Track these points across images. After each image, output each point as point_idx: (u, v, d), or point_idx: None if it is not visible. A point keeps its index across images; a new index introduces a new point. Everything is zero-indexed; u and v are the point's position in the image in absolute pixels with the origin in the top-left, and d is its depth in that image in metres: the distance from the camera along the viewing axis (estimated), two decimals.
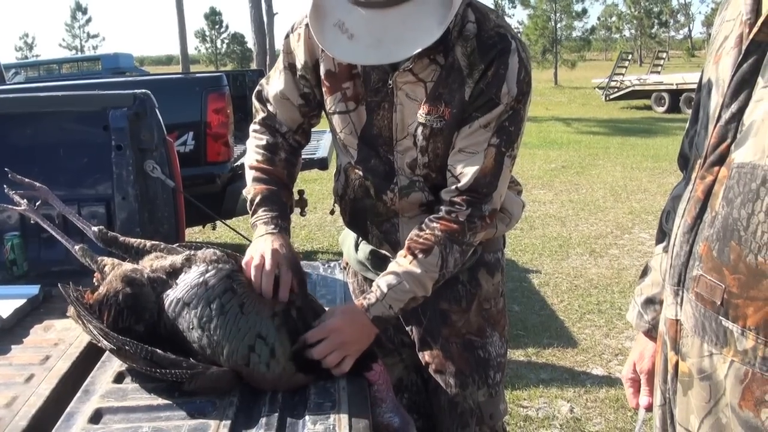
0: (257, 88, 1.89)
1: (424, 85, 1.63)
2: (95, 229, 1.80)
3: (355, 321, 1.56)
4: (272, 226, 1.70)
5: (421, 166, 1.70)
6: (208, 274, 1.55)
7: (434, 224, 1.63)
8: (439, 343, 1.85)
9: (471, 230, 1.64)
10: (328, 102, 1.76)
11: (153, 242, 1.77)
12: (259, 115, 1.87)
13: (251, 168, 1.81)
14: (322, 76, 1.74)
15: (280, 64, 1.82)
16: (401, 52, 1.47)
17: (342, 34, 1.51)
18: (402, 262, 1.61)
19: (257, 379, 1.49)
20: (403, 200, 1.75)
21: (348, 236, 2.01)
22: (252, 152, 1.83)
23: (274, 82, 1.83)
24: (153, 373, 1.46)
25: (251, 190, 1.78)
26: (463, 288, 1.84)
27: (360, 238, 1.94)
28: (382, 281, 1.60)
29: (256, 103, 1.89)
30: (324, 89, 1.76)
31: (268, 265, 1.56)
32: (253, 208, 1.75)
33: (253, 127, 1.88)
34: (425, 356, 1.88)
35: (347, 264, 2.06)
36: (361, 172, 1.78)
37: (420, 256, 1.60)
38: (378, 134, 1.72)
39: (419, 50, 1.47)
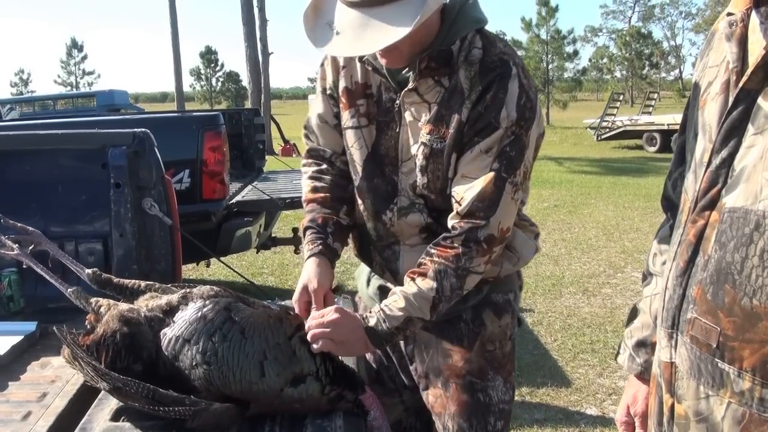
0: (305, 123, 1.98)
1: (429, 106, 1.67)
2: (89, 271, 1.81)
3: (352, 325, 1.63)
4: (311, 250, 1.80)
5: (420, 186, 1.72)
6: (205, 309, 1.57)
7: (432, 251, 1.67)
8: (441, 382, 1.83)
9: (466, 255, 1.64)
10: (344, 117, 1.82)
11: (147, 282, 1.78)
12: (305, 149, 1.98)
13: (304, 203, 1.91)
14: (340, 93, 1.82)
15: (317, 90, 1.92)
16: (374, 46, 1.52)
17: (331, 31, 1.57)
18: (402, 287, 1.67)
19: (265, 393, 1.51)
20: (402, 221, 1.77)
21: (363, 271, 2.02)
22: (303, 187, 1.93)
23: (314, 108, 1.92)
24: (156, 412, 1.46)
25: (302, 223, 1.88)
26: (465, 326, 1.82)
27: (372, 273, 1.96)
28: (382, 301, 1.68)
29: (303, 138, 1.99)
30: (341, 105, 1.83)
31: (296, 295, 1.75)
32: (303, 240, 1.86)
33: (302, 162, 1.98)
34: (428, 396, 1.86)
35: (360, 298, 2.07)
36: (363, 192, 1.83)
37: (417, 279, 1.64)
38: (385, 154, 1.77)
39: (390, 43, 1.50)
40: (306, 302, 1.74)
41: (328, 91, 1.87)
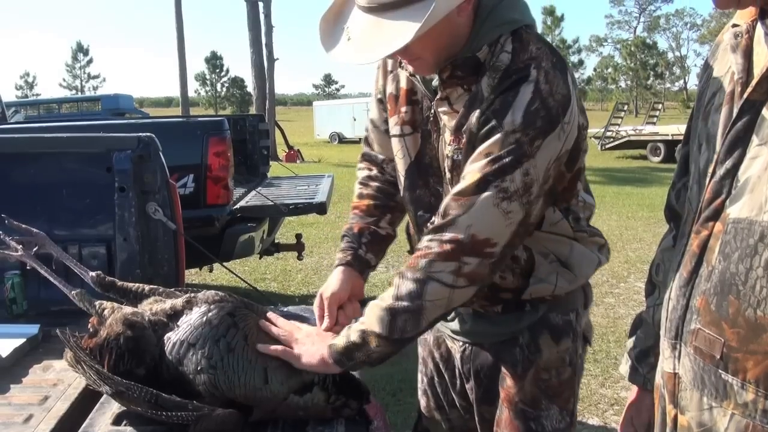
0: (365, 127, 1.95)
1: (457, 116, 1.58)
2: (93, 274, 1.80)
3: (321, 337, 1.57)
4: (339, 259, 1.78)
5: None
6: (210, 314, 1.56)
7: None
8: (496, 405, 1.75)
9: (426, 257, 1.45)
10: (390, 124, 1.76)
11: (151, 286, 1.78)
12: (361, 153, 1.95)
13: (351, 208, 1.88)
14: (387, 98, 1.76)
15: (372, 93, 1.88)
16: (377, 54, 1.46)
17: (345, 35, 1.51)
18: None
19: (269, 400, 1.51)
20: None
21: None
22: (354, 192, 1.90)
23: (370, 114, 1.90)
24: (158, 416, 1.45)
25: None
26: (520, 352, 1.70)
27: None
28: None
29: (362, 142, 1.96)
30: (388, 111, 1.77)
31: (315, 305, 1.72)
32: None
33: (357, 166, 1.96)
34: (483, 413, 1.79)
35: None
36: (407, 202, 1.77)
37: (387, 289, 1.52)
38: (429, 164, 1.68)
39: (388, 53, 1.45)
40: (322, 310, 1.71)
41: (378, 96, 1.81)
